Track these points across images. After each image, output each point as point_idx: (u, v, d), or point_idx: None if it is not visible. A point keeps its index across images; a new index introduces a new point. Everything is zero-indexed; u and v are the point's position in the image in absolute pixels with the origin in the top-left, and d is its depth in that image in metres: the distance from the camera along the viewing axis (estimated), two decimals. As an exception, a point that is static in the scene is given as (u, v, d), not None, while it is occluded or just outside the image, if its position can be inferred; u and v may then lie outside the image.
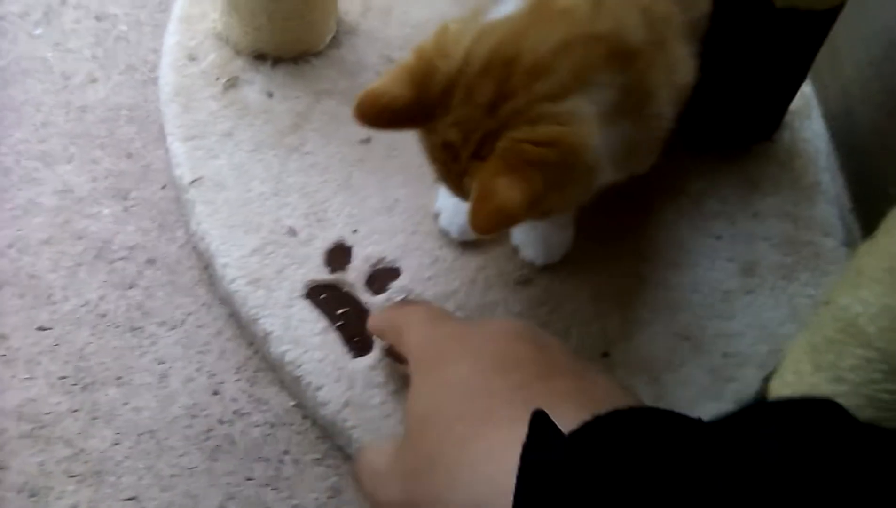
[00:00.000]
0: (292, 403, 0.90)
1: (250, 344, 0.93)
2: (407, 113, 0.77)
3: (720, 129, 1.07)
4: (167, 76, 1.08)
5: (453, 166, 0.78)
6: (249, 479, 0.85)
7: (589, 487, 0.49)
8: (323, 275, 0.94)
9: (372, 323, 0.88)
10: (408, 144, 0.84)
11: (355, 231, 0.97)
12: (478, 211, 0.72)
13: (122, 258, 0.97)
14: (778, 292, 0.98)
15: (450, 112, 0.76)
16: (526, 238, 0.97)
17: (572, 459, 0.51)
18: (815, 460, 0.45)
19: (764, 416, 0.51)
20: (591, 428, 0.53)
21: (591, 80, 0.75)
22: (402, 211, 0.99)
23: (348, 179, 1.01)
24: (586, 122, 0.75)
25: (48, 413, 0.86)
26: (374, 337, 0.90)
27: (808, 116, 1.13)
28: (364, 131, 1.03)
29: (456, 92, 0.75)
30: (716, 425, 0.52)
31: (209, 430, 0.88)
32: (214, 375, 0.91)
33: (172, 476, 0.85)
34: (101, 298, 0.94)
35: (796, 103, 1.09)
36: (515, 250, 0.96)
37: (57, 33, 1.14)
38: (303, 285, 0.93)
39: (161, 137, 1.05)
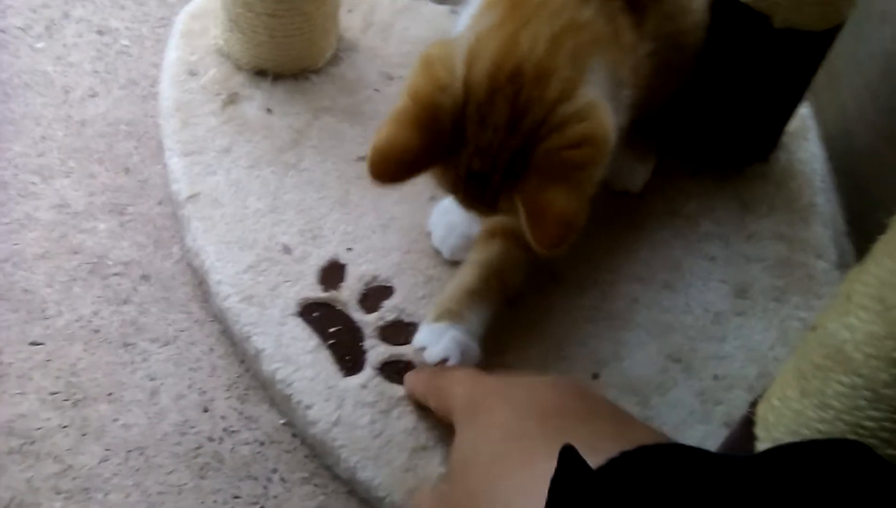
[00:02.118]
0: (282, 421, 0.90)
1: (242, 362, 0.94)
2: (423, 158, 0.76)
3: (716, 148, 1.07)
4: (167, 91, 1.08)
5: (485, 193, 0.78)
6: (237, 497, 0.85)
7: None
8: (316, 293, 0.94)
9: (413, 387, 0.87)
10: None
11: (350, 249, 0.98)
12: (539, 228, 0.72)
13: (116, 274, 0.97)
14: (770, 314, 0.98)
15: (468, 143, 0.76)
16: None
17: (599, 492, 0.51)
18: (841, 501, 0.46)
19: (790, 456, 0.51)
20: (619, 463, 0.53)
21: (587, 65, 0.76)
22: (397, 229, 1.00)
23: (345, 197, 1.02)
24: (601, 107, 0.75)
25: (38, 429, 0.86)
26: (411, 399, 0.88)
27: (804, 137, 1.13)
28: (362, 148, 1.04)
29: (468, 122, 0.75)
30: (743, 462, 0.52)
31: (198, 448, 0.88)
32: (205, 392, 0.91)
33: (160, 493, 0.85)
34: (95, 313, 0.94)
35: (793, 124, 1.10)
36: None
37: (58, 47, 1.14)
38: (296, 302, 0.93)
39: (159, 152, 1.06)
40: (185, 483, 0.86)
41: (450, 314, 0.87)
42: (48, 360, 0.91)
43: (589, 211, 0.76)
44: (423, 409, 0.87)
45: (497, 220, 0.92)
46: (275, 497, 0.86)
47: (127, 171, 1.05)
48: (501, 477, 0.62)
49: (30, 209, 1.00)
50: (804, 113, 1.14)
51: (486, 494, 0.62)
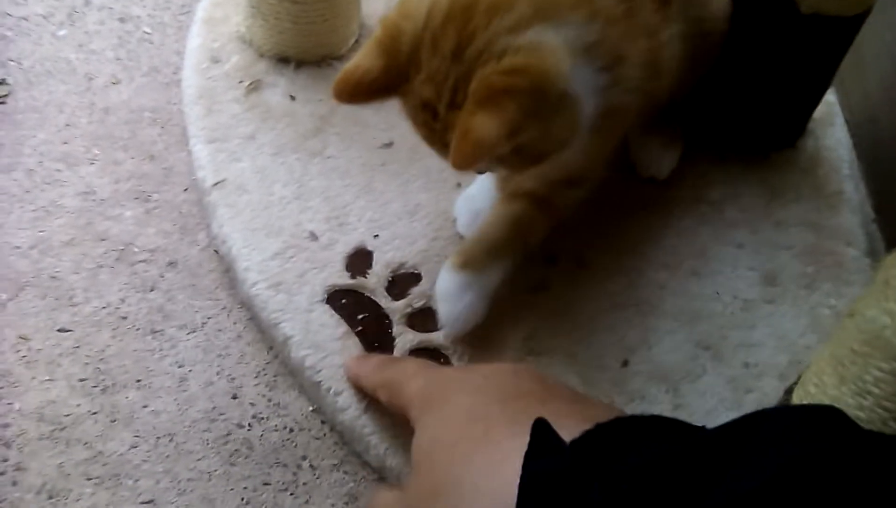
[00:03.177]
0: (311, 408, 0.90)
1: (270, 348, 0.93)
2: (381, 82, 0.77)
3: (742, 134, 1.07)
4: (190, 78, 1.08)
5: (436, 125, 0.78)
6: (267, 484, 0.85)
7: (592, 494, 0.49)
8: (344, 280, 0.94)
9: (359, 376, 0.87)
10: (428, 149, 0.84)
11: (376, 236, 0.97)
12: (456, 149, 0.71)
13: (143, 261, 0.97)
14: (799, 302, 0.97)
15: (420, 71, 0.76)
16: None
17: (575, 466, 0.51)
18: (817, 467, 0.45)
19: (765, 423, 0.50)
20: (594, 435, 0.53)
21: (560, 17, 0.75)
22: (423, 216, 0.99)
23: (370, 184, 1.01)
24: (552, 48, 0.74)
25: (68, 415, 0.86)
26: (354, 387, 0.88)
27: (831, 123, 1.12)
28: (386, 135, 1.04)
29: (423, 49, 0.76)
30: (718, 431, 0.51)
31: (227, 434, 0.87)
32: (234, 379, 0.91)
33: (190, 479, 0.85)
34: (122, 300, 0.94)
35: (820, 111, 1.09)
36: (531, 258, 0.95)
37: (80, 35, 1.14)
38: (323, 289, 0.93)
39: (184, 139, 1.06)
40: (215, 470, 0.86)
41: (474, 264, 0.88)
42: (76, 347, 0.91)
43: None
44: (365, 397, 0.87)
45: (518, 183, 0.92)
46: (304, 483, 0.86)
47: (152, 158, 1.05)
48: (465, 462, 0.61)
49: (55, 197, 1.00)
50: (830, 99, 1.13)
51: (452, 482, 0.61)
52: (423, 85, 0.76)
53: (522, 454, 0.54)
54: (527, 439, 0.55)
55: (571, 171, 0.89)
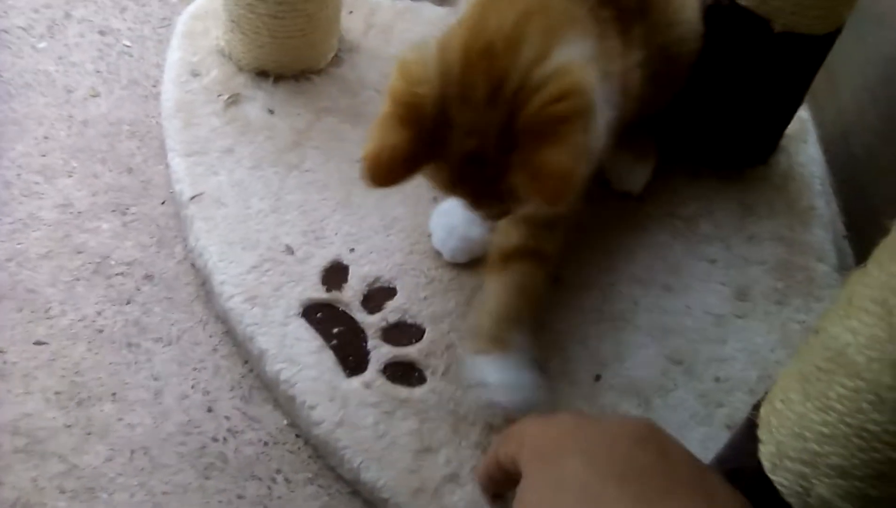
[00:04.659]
0: (286, 422, 0.90)
1: (245, 362, 0.94)
2: (416, 153, 0.76)
3: (716, 150, 1.08)
4: (169, 91, 1.09)
5: (485, 175, 0.77)
6: (241, 497, 0.86)
7: None
8: (319, 294, 0.95)
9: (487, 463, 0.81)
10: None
11: (352, 250, 0.98)
12: (541, 188, 0.71)
13: (120, 274, 0.97)
14: (770, 317, 0.98)
15: (454, 127, 0.76)
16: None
17: None
18: None
19: None
20: None
21: (562, 36, 0.76)
22: (400, 230, 1.00)
23: (347, 198, 1.02)
24: (580, 65, 0.75)
25: (43, 429, 0.87)
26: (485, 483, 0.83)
27: (804, 140, 1.14)
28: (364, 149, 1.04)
29: (450, 106, 0.75)
30: None
31: (202, 448, 0.88)
32: (209, 392, 0.91)
33: (165, 493, 0.85)
34: (99, 313, 0.95)
35: (792, 127, 1.10)
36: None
37: (60, 47, 1.15)
38: (299, 303, 0.94)
39: (162, 152, 1.06)
40: (190, 483, 0.86)
41: (500, 343, 0.87)
42: (52, 359, 0.91)
43: (587, 170, 0.75)
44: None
45: (506, 241, 0.92)
46: (279, 497, 0.86)
47: (130, 171, 1.05)
48: None
49: (33, 209, 1.00)
50: (803, 116, 1.14)
51: None
52: (463, 140, 0.75)
53: None
54: None
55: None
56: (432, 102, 0.75)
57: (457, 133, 0.76)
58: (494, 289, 0.91)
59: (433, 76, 0.76)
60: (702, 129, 1.06)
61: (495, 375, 0.87)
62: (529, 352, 0.89)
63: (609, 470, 0.63)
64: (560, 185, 0.71)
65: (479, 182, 0.78)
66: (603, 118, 0.79)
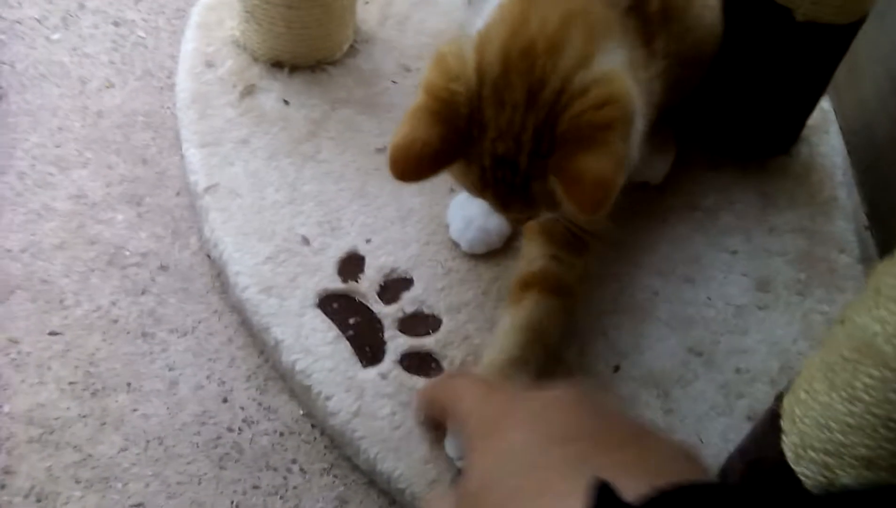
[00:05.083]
0: (302, 412, 0.90)
1: (261, 353, 0.93)
2: (444, 150, 0.75)
3: (737, 141, 1.07)
4: (184, 83, 1.08)
5: (514, 179, 0.76)
6: (256, 488, 0.85)
7: None
8: (335, 284, 0.94)
9: (421, 396, 0.86)
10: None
11: (369, 241, 0.97)
12: (578, 195, 0.70)
13: (134, 264, 0.97)
14: (792, 308, 0.97)
15: (488, 128, 0.74)
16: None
17: None
18: None
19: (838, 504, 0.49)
20: (655, 503, 0.51)
21: (603, 43, 0.75)
22: (416, 221, 0.99)
23: (363, 188, 1.01)
24: (621, 74, 0.75)
25: (57, 418, 0.86)
26: (420, 412, 0.86)
27: (825, 130, 1.12)
28: (380, 140, 1.04)
29: (485, 106, 0.74)
30: (783, 503, 0.51)
31: (218, 438, 0.87)
32: (224, 383, 0.91)
33: (179, 483, 0.84)
34: (113, 303, 0.94)
35: (814, 118, 1.09)
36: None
37: (75, 38, 1.14)
38: (315, 294, 0.93)
39: (177, 143, 1.06)
40: (205, 473, 0.85)
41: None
42: (67, 350, 0.90)
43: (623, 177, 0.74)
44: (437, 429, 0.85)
45: (528, 268, 0.91)
46: (294, 487, 0.86)
47: (144, 162, 1.05)
48: None
49: (47, 200, 1.00)
50: (825, 106, 1.13)
51: None
52: (496, 141, 0.74)
53: None
54: (583, 494, 0.53)
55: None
56: (467, 99, 0.74)
57: (490, 134, 0.75)
58: (510, 323, 0.89)
59: (470, 73, 0.74)
60: (723, 119, 1.05)
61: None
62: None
63: (549, 436, 0.64)
64: (600, 192, 0.70)
65: (509, 186, 0.77)
66: (640, 126, 0.78)
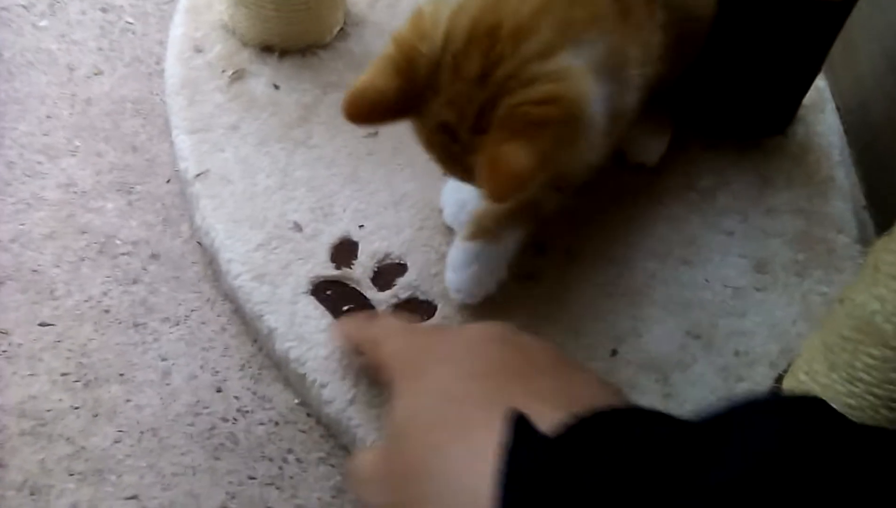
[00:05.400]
0: (297, 401, 0.89)
1: (254, 341, 0.92)
2: (397, 103, 0.76)
3: (732, 121, 1.06)
4: (173, 68, 1.07)
5: (454, 148, 0.77)
6: (252, 478, 0.84)
7: (570, 491, 0.48)
8: (328, 271, 0.93)
9: (344, 334, 0.86)
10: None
11: (362, 226, 0.96)
12: (490, 180, 0.71)
13: (125, 253, 0.96)
14: (790, 289, 0.96)
15: (440, 92, 0.75)
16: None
17: (552, 463, 0.50)
18: (791, 460, 0.45)
19: (744, 415, 0.50)
20: (572, 430, 0.53)
21: (578, 38, 0.75)
22: (410, 206, 0.98)
23: (355, 173, 1.00)
24: (580, 75, 0.74)
25: (49, 410, 0.85)
26: (343, 349, 0.87)
27: (821, 109, 1.11)
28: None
29: (443, 71, 0.75)
30: (696, 424, 0.51)
31: (212, 428, 0.86)
32: (218, 372, 0.90)
33: (174, 474, 0.84)
34: (105, 293, 0.93)
35: (810, 97, 1.08)
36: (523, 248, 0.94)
37: (62, 25, 1.13)
38: (308, 280, 0.92)
39: (166, 130, 1.04)
40: (200, 464, 0.84)
41: (486, 232, 0.88)
42: (58, 341, 0.89)
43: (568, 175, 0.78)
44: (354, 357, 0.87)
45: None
46: (290, 477, 0.85)
47: (134, 149, 1.04)
48: (439, 452, 0.60)
49: (36, 189, 0.99)
50: (821, 85, 1.12)
51: (425, 471, 0.60)
52: (444, 107, 0.75)
53: (497, 445, 0.53)
54: (501, 430, 0.54)
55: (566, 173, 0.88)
56: (429, 61, 0.75)
57: (441, 99, 0.75)
58: None
59: (438, 37, 0.75)
60: (718, 99, 1.04)
61: (452, 254, 0.89)
62: (509, 252, 0.90)
63: (470, 372, 0.66)
64: (509, 184, 0.70)
65: (448, 152, 0.78)
66: (602, 121, 0.78)
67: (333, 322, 0.89)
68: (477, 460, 0.55)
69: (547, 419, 0.53)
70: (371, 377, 0.85)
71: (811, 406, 0.50)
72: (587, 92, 0.74)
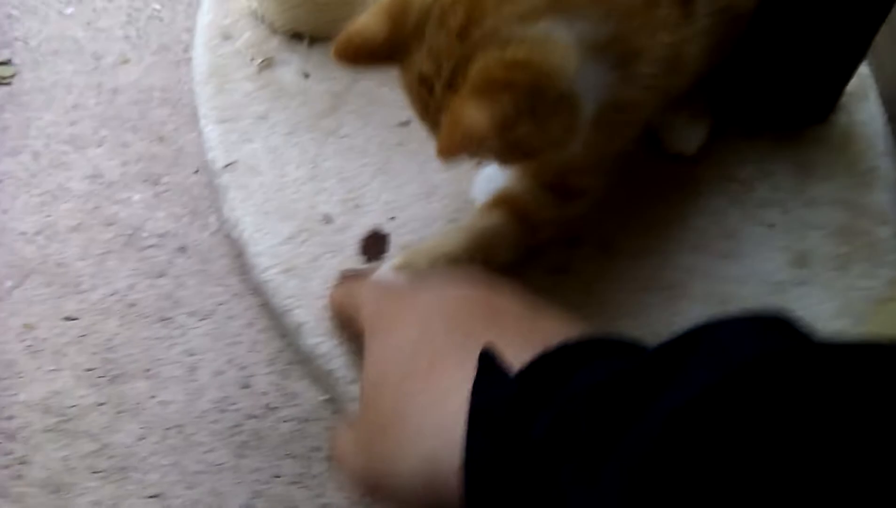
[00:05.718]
0: (324, 397, 0.88)
1: (283, 336, 0.91)
2: (383, 50, 0.75)
3: (772, 109, 1.03)
4: (201, 56, 1.05)
5: (430, 102, 0.75)
6: (277, 476, 0.83)
7: (537, 424, 0.50)
8: (358, 264, 0.91)
9: (335, 305, 0.86)
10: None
11: (392, 218, 0.94)
12: (444, 136, 0.69)
13: (152, 246, 0.95)
14: (832, 284, 0.94)
15: (422, 45, 0.73)
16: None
17: (521, 397, 0.52)
18: (752, 377, 0.43)
19: (707, 334, 0.49)
20: (539, 363, 0.54)
21: (572, 10, 0.72)
22: (442, 197, 0.96)
23: (386, 164, 0.98)
24: (561, 46, 0.71)
25: (73, 406, 0.85)
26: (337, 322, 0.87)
27: (865, 97, 1.08)
28: (404, 113, 1.01)
29: (430, 21, 0.73)
30: (661, 347, 0.51)
31: (238, 425, 0.85)
32: (245, 368, 0.89)
33: (198, 472, 0.83)
34: (131, 287, 0.92)
35: (853, 84, 1.04)
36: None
37: (88, 12, 1.12)
38: (337, 274, 0.90)
39: (194, 119, 1.03)
40: (225, 462, 0.84)
41: (410, 269, 0.84)
42: (83, 335, 0.89)
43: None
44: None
45: (506, 189, 0.89)
46: (316, 476, 0.84)
47: (161, 139, 1.02)
48: (410, 400, 0.61)
49: (62, 180, 0.98)
50: (864, 72, 1.09)
51: (399, 421, 0.61)
52: (424, 59, 0.73)
53: (467, 386, 0.54)
54: (472, 369, 0.55)
55: (568, 170, 0.86)
56: (418, 10, 0.73)
57: (423, 50, 0.73)
58: (459, 225, 0.89)
59: None
60: (757, 87, 1.01)
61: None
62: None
63: (437, 323, 0.66)
64: (458, 139, 0.68)
65: (425, 106, 0.76)
66: (590, 106, 0.76)
67: (329, 299, 0.88)
68: (446, 400, 0.56)
69: (516, 357, 0.54)
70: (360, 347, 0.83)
71: (773, 323, 0.49)
72: (566, 68, 0.71)
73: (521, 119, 0.69)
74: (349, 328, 0.84)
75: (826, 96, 1.04)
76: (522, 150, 0.76)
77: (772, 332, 0.48)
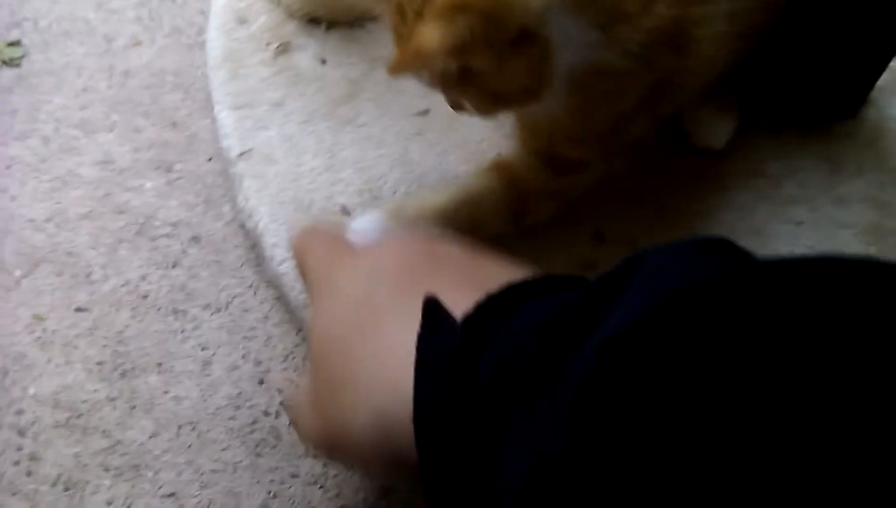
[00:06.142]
0: (342, 395, 0.86)
1: (299, 330, 0.89)
2: None
3: (801, 104, 1.01)
4: (215, 40, 1.03)
5: (403, 31, 0.72)
6: (295, 476, 0.81)
7: (481, 367, 0.50)
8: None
9: (293, 248, 0.82)
10: (467, 117, 0.80)
11: (411, 210, 0.92)
12: (397, 53, 0.69)
13: (164, 235, 0.93)
14: (862, 284, 0.92)
15: None
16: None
17: (466, 342, 0.52)
18: (691, 300, 0.44)
19: (646, 261, 0.49)
20: (483, 307, 0.54)
21: None
22: (461, 189, 0.94)
23: (405, 154, 0.96)
24: None
25: (85, 401, 0.83)
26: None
27: (895, 92, 1.06)
28: (423, 102, 0.99)
29: None
30: (603, 277, 0.50)
31: (253, 423, 0.83)
32: (260, 363, 0.87)
33: (213, 471, 0.81)
34: (143, 278, 0.90)
35: (884, 79, 1.03)
36: (577, 235, 0.90)
37: (100, -7, 1.10)
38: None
39: (208, 105, 1.01)
40: (241, 461, 0.82)
41: (398, 217, 0.82)
42: (94, 327, 0.87)
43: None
44: None
45: (505, 155, 0.88)
46: (335, 476, 0.82)
47: (174, 125, 1.00)
48: (358, 356, 0.60)
49: (72, 166, 0.96)
50: (895, 66, 1.07)
51: (349, 379, 0.60)
52: None
53: (413, 337, 0.54)
54: (417, 320, 0.55)
55: (557, 137, 0.83)
56: None
57: None
58: (453, 183, 0.87)
59: None
60: (786, 81, 1.00)
61: (358, 219, 0.83)
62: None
63: (381, 281, 0.66)
64: (409, 55, 0.67)
65: (399, 35, 0.74)
66: (566, 60, 0.73)
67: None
68: (394, 353, 0.56)
69: (460, 303, 0.55)
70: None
71: (715, 246, 0.50)
72: (529, 4, 0.68)
73: (478, 47, 0.68)
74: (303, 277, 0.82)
75: (856, 91, 1.02)
76: (486, 89, 0.74)
77: (704, 257, 0.48)
